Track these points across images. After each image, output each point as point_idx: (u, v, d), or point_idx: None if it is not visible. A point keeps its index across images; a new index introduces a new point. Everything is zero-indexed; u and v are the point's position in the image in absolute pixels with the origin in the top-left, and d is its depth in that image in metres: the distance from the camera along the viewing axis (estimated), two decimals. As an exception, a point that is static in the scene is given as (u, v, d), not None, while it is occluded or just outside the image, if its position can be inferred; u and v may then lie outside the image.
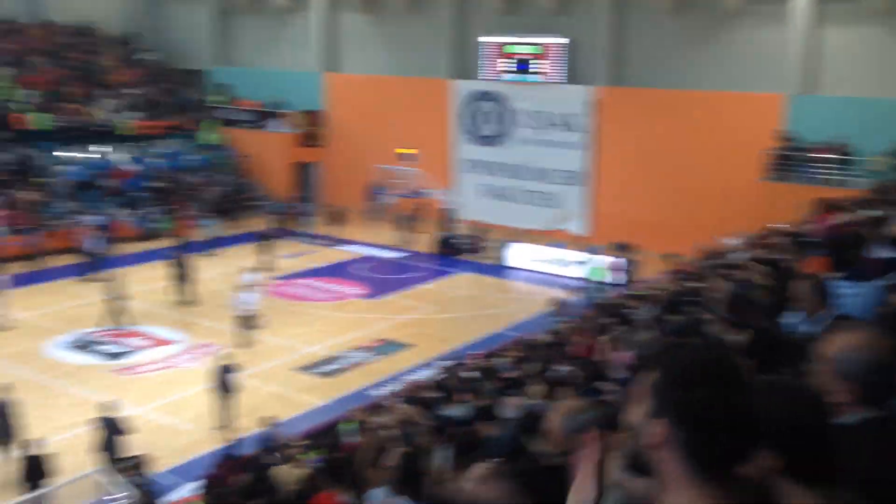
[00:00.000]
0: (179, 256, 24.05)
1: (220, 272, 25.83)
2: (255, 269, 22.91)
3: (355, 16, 37.43)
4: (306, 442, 12.79)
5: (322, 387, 18.23)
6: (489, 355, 15.81)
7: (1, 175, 29.48)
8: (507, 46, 32.71)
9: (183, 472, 14.13)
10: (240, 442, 13.81)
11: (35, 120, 32.55)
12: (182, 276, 23.43)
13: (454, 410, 9.90)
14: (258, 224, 31.90)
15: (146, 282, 24.32)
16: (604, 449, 2.87)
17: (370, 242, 31.51)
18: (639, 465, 1.99)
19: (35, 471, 12.38)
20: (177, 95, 39.44)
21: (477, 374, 12.87)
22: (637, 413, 1.78)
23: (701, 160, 28.20)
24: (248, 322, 19.81)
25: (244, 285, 20.87)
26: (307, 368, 19.19)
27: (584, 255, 26.64)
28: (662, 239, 25.75)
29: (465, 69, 34.57)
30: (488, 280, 27.48)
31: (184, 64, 41.96)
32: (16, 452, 13.37)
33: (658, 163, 29.24)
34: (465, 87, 34.20)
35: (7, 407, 13.94)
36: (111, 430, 13.64)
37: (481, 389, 11.02)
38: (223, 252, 28.76)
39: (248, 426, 14.95)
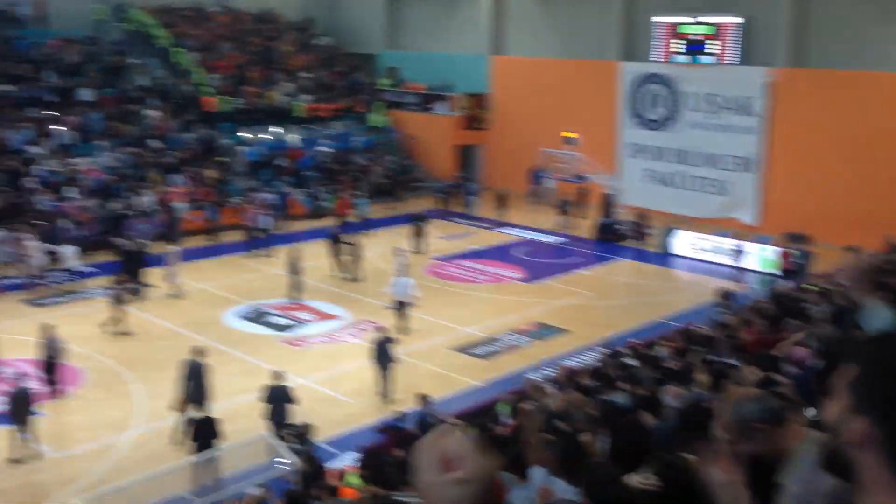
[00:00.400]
0: (337, 234, 24.84)
1: (382, 251, 26.43)
2: (405, 250, 23.29)
3: (525, -2, 37.20)
4: (462, 421, 12.86)
5: (478, 368, 18.31)
6: (649, 344, 15.32)
7: (186, 153, 31.42)
8: (682, 26, 31.53)
9: (341, 444, 14.57)
10: (398, 417, 14.07)
11: (219, 102, 34.48)
12: (340, 254, 24.18)
13: (615, 398, 9.63)
14: (421, 205, 32.45)
15: (312, 258, 25.21)
16: (771, 443, 2.77)
17: (530, 226, 31.33)
18: (832, 464, 1.77)
19: (205, 432, 13.07)
20: (348, 79, 40.68)
21: (637, 362, 12.48)
22: (835, 410, 1.56)
23: (886, 147, 26.14)
24: (404, 307, 19.94)
25: (398, 269, 21.29)
26: (464, 349, 19.32)
27: (754, 245, 25.35)
28: (840, 230, 24.09)
29: (634, 51, 33.63)
30: (650, 268, 26.70)
31: (356, 48, 43.20)
32: (192, 413, 14.19)
33: (838, 149, 27.34)
34: (634, 69, 33.27)
35: (201, 368, 14.76)
36: (279, 398, 14.24)
37: (641, 378, 10.66)
38: (383, 232, 29.39)
39: (405, 402, 15.22)
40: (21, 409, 13.76)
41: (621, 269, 26.59)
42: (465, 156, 38.69)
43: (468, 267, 26.26)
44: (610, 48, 34.40)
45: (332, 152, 35.46)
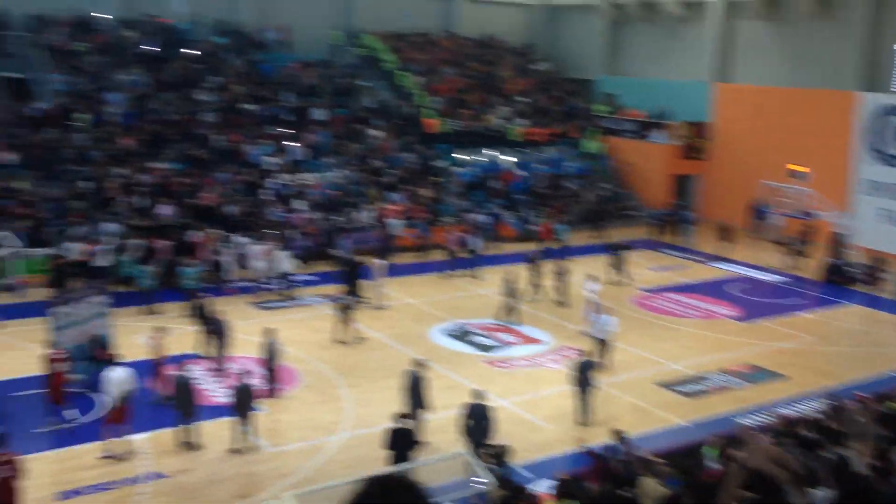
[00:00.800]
0: (536, 259, 24.73)
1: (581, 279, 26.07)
2: (596, 280, 22.75)
3: (753, 24, 35.69)
4: (664, 460, 12.36)
5: (682, 406, 17.57)
6: (881, 398, 14.02)
7: (404, 172, 32.71)
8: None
9: (536, 469, 14.45)
10: (597, 448, 13.75)
11: (438, 124, 35.67)
12: (538, 278, 24.03)
13: (838, 454, 8.87)
14: (630, 233, 31.81)
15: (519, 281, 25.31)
16: None
17: (748, 262, 29.81)
18: None
19: (403, 442, 13.39)
20: (564, 104, 40.75)
21: (864, 417, 11.46)
22: None
23: None
24: (605, 345, 19.15)
25: (590, 301, 21.01)
26: (669, 385, 18.63)
27: None
28: None
29: (876, 81, 31.26)
30: (884, 315, 24.54)
31: (574, 73, 43.25)
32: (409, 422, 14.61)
33: None
34: (875, 100, 30.89)
35: (419, 380, 15.22)
36: (479, 416, 14.37)
37: (870, 435, 9.77)
38: (587, 259, 28.98)
39: (600, 434, 14.87)
40: (244, 403, 14.79)
41: (849, 315, 24.64)
42: (681, 186, 37.51)
43: (678, 300, 25.36)
44: (846, 77, 32.18)
45: (545, 177, 35.58)
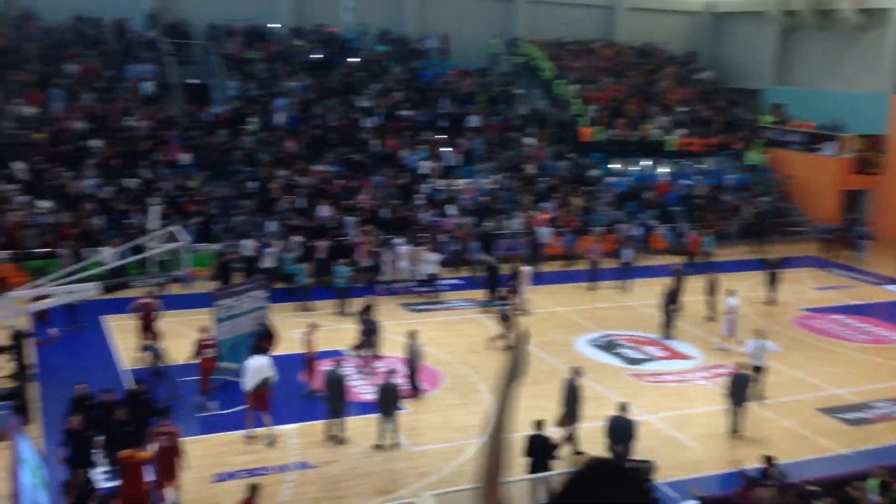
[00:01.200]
0: (679, 273, 23.84)
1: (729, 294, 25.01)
2: (735, 294, 21.62)
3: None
4: (820, 488, 11.69)
5: (844, 434, 16.52)
6: None
7: (555, 181, 32.50)
8: None
9: (681, 488, 13.98)
10: (750, 471, 13.15)
11: (593, 133, 35.26)
12: (675, 294, 22.62)
13: None
14: (790, 250, 30.25)
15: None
16: None
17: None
18: None
19: (541, 449, 13.27)
20: (727, 114, 39.31)
21: None
22: None
23: None
24: (759, 371, 17.54)
25: (729, 317, 20.20)
26: (830, 411, 17.56)
27: None
28: None
29: None
30: None
31: (738, 83, 41.65)
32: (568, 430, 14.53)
33: None
34: None
35: (575, 389, 15.10)
36: (622, 430, 14.07)
37: None
38: (741, 275, 27.76)
39: (750, 455, 14.19)
40: (389, 402, 15.13)
41: None
42: (852, 201, 35.36)
43: (845, 323, 23.88)
44: None
45: (703, 188, 34.41)
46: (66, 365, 17.79)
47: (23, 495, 10.34)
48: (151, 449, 12.46)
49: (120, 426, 12.93)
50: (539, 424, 13.48)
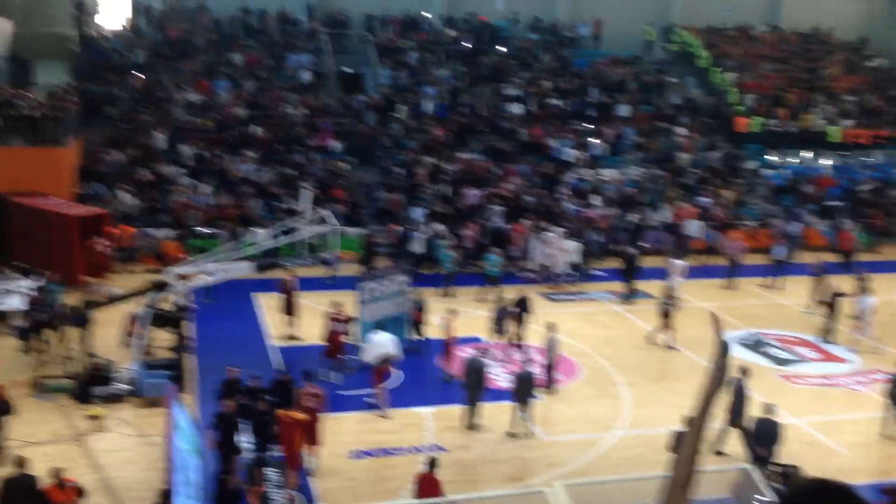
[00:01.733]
0: (825, 270, 22.48)
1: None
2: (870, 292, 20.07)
3: None
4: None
5: None
6: None
7: (706, 173, 31.39)
8: None
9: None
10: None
11: (750, 123, 33.83)
12: (833, 294, 21.44)
13: None
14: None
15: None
16: None
17: None
18: None
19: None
20: (900, 104, 36.78)
21: None
22: None
23: None
24: None
25: (864, 319, 18.89)
26: None
27: None
28: None
29: None
30: None
31: (914, 70, 38.85)
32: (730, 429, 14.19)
33: None
34: None
35: (741, 389, 14.66)
36: (766, 432, 13.54)
37: None
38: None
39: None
40: (524, 390, 15.20)
41: None
42: None
43: None
44: None
45: (869, 183, 32.34)
46: (219, 339, 18.93)
47: (177, 460, 11.11)
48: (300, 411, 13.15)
49: (262, 415, 13.21)
50: (688, 420, 13.12)
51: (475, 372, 15.45)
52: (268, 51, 33.13)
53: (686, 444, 2.42)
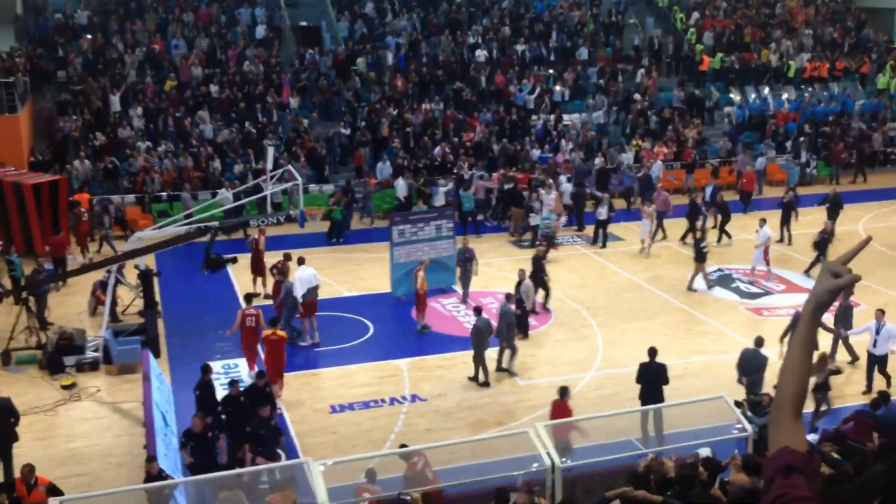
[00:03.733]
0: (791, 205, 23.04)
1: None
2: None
3: None
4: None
5: None
6: None
7: (670, 113, 31.40)
8: None
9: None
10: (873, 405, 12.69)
11: (711, 61, 33.81)
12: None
13: None
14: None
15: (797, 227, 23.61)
16: None
17: None
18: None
19: (653, 379, 13.16)
20: (856, 36, 36.95)
21: None
22: None
23: None
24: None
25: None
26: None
27: None
28: None
29: None
30: None
31: (870, 2, 38.96)
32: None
33: None
34: None
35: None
36: (751, 363, 13.74)
37: None
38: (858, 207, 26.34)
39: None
40: (480, 339, 15.14)
41: None
42: None
43: None
44: None
45: (828, 116, 32.60)
46: (189, 302, 18.75)
47: (156, 423, 11.07)
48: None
49: (234, 419, 12.14)
50: (652, 353, 13.33)
51: (506, 317, 15.39)
52: (220, 5, 32.34)
53: (795, 365, 2.35)
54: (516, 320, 15.93)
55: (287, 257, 17.95)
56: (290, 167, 19.38)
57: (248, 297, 15.72)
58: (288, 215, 19.38)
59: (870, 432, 11.25)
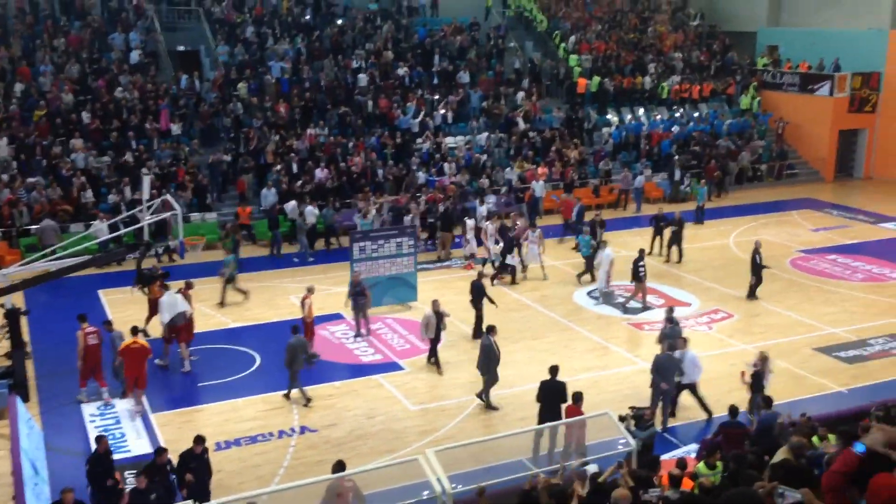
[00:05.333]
0: (659, 220, 24.11)
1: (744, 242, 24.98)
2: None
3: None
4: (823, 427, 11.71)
5: (842, 372, 16.61)
6: None
7: (551, 134, 32.17)
8: None
9: (681, 433, 14.11)
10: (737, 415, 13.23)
11: (588, 84, 34.85)
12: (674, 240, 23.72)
13: None
14: (791, 192, 30.19)
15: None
16: None
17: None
18: None
19: (552, 397, 13.31)
20: (722, 59, 38.87)
21: None
22: None
23: None
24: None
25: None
26: (827, 350, 17.65)
27: None
28: None
29: None
30: None
31: (733, 26, 41.14)
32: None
33: None
34: None
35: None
36: (666, 368, 14.15)
37: None
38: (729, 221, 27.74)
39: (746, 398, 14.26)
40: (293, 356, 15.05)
41: None
42: (847, 141, 35.18)
43: (842, 263, 23.88)
44: None
45: (698, 135, 34.10)
46: (61, 342, 17.82)
47: (24, 472, 10.44)
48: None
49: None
50: (553, 371, 13.52)
51: (486, 350, 15.11)
52: (91, 31, 31.18)
53: None
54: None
55: (188, 285, 17.42)
56: (168, 196, 18.79)
57: (83, 317, 15.35)
58: (167, 246, 18.76)
59: (740, 442, 11.71)
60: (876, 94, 34.53)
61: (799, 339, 18.25)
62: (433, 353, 17.02)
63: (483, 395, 15.29)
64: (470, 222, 23.97)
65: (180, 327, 16.52)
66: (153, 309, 17.61)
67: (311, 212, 24.84)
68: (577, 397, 12.99)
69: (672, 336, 15.48)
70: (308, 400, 15.29)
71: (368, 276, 19.23)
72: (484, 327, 16.43)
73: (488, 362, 15.07)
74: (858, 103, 34.52)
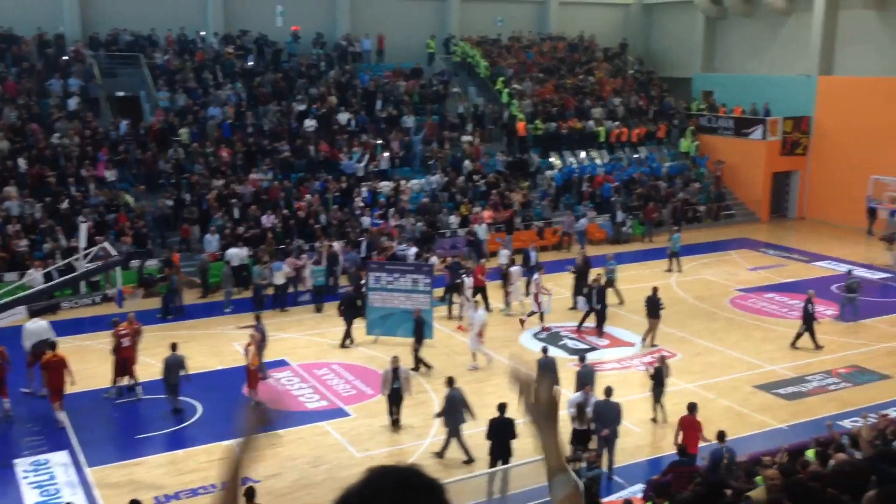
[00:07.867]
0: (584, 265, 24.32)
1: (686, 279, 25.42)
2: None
3: (861, 13, 34.10)
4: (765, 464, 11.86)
5: (781, 408, 16.91)
6: None
7: (495, 178, 32.53)
8: None
9: (626, 474, 14.17)
10: (690, 453, 13.36)
11: (530, 128, 35.41)
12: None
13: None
14: (727, 233, 30.87)
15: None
16: None
17: (853, 260, 28.41)
18: None
19: (501, 433, 13.26)
20: (659, 103, 39.90)
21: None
22: None
23: None
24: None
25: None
26: (767, 387, 17.98)
27: None
28: None
29: None
30: None
31: (669, 72, 42.32)
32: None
33: None
34: None
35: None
36: (606, 414, 14.23)
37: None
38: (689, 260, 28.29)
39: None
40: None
41: (965, 314, 23.21)
42: (781, 183, 36.27)
43: (777, 301, 24.44)
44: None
45: (638, 178, 34.82)
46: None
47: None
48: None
49: None
50: (502, 408, 13.51)
51: (452, 401, 14.75)
52: (28, 76, 30.73)
53: None
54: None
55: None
56: (106, 244, 18.46)
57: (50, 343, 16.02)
58: (105, 295, 18.40)
59: (689, 480, 11.79)
60: (806, 137, 35.73)
61: (740, 377, 18.56)
62: (390, 412, 16.56)
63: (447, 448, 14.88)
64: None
65: (41, 353, 16.28)
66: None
67: (238, 254, 24.65)
68: (692, 407, 13.86)
69: (586, 376, 15.74)
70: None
71: (384, 305, 20.19)
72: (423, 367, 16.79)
73: (452, 414, 14.70)
74: (790, 146, 35.66)
